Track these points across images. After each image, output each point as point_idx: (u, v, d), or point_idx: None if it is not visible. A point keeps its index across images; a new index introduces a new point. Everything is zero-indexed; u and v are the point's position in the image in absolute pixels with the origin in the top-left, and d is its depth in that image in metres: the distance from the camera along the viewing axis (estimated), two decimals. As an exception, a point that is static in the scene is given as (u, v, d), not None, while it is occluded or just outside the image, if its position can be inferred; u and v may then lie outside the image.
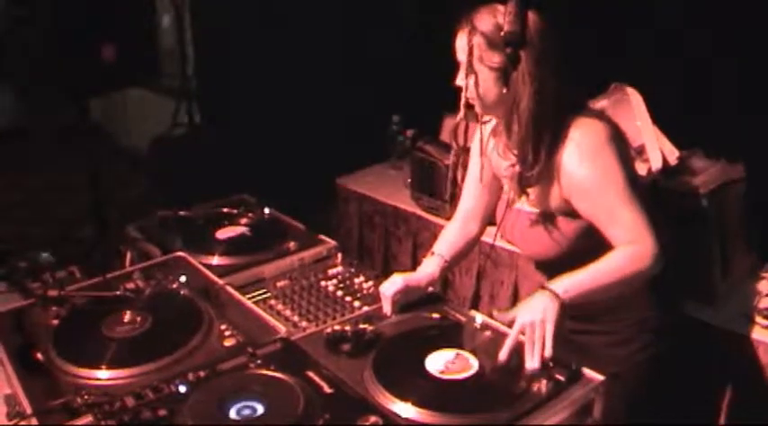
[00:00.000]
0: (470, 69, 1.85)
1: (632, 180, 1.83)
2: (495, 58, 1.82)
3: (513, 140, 1.88)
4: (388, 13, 3.96)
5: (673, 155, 2.52)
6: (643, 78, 2.56)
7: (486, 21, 1.82)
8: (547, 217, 1.93)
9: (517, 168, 1.91)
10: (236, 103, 4.21)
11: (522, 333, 1.68)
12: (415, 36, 3.87)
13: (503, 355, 1.67)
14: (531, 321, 1.67)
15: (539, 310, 1.69)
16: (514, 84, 1.81)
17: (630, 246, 1.78)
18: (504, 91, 1.83)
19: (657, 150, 2.49)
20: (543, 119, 1.82)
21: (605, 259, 1.79)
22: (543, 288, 1.74)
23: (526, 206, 1.99)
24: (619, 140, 1.87)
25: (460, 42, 1.87)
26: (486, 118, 2.02)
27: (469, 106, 1.92)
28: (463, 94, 1.89)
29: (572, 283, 1.75)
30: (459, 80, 1.90)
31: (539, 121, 1.82)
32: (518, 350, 1.69)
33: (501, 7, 1.81)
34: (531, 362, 1.65)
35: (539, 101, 1.80)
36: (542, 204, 1.94)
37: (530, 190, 1.95)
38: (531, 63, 1.78)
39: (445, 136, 3.29)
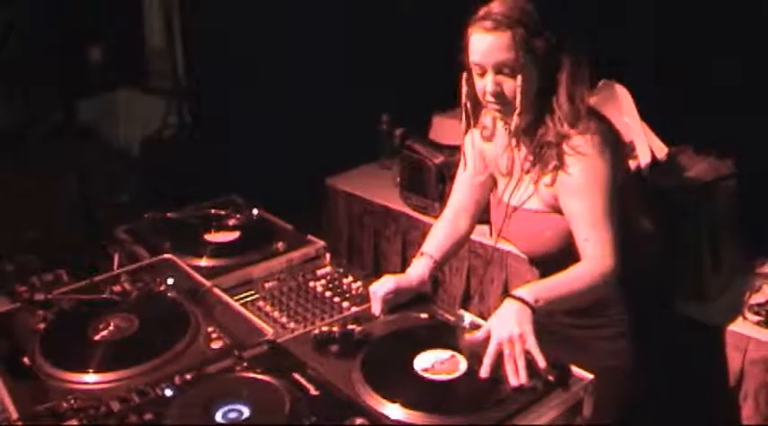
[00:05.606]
0: (522, 67, 1.76)
1: (614, 197, 1.82)
2: (539, 44, 1.77)
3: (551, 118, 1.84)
4: (378, 11, 3.95)
5: (662, 151, 2.51)
6: (631, 75, 2.56)
7: (515, 10, 1.74)
8: (545, 214, 1.93)
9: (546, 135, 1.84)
10: (226, 104, 4.20)
11: (500, 350, 1.61)
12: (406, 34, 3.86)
13: (484, 372, 1.60)
14: (509, 336, 1.60)
15: (513, 322, 1.63)
16: (557, 63, 1.79)
17: (592, 263, 1.78)
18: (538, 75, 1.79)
19: (646, 147, 2.48)
20: (581, 94, 1.82)
21: (568, 271, 1.78)
22: (512, 297, 1.69)
23: (525, 201, 1.97)
24: (615, 144, 1.87)
25: (488, 43, 1.76)
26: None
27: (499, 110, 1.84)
28: (519, 98, 1.78)
29: (539, 291, 1.71)
30: (494, 85, 1.78)
31: (574, 95, 1.81)
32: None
33: None
34: (515, 379, 1.57)
35: (576, 74, 1.80)
36: (541, 198, 1.93)
37: (531, 186, 1.93)
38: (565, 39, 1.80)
39: (434, 134, 3.28)
